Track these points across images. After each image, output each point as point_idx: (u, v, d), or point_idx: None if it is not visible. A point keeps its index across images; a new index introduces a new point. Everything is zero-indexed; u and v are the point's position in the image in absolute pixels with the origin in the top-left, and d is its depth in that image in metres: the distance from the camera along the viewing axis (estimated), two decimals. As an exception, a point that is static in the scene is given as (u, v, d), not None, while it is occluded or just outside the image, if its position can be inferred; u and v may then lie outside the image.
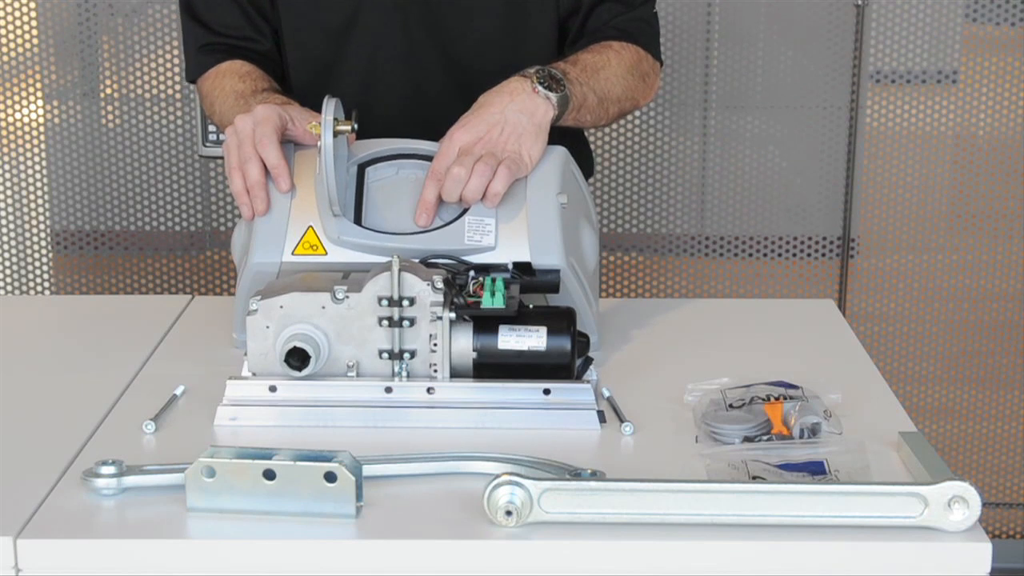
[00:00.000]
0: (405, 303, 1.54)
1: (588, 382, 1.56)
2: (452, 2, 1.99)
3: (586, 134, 2.22)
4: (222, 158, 1.77)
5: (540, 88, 1.78)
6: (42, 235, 3.24)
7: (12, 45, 3.13)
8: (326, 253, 1.68)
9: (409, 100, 2.03)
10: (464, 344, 1.55)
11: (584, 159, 2.06)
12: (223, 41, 2.03)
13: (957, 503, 1.29)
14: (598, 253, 1.83)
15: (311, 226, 1.70)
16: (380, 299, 1.54)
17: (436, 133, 1.78)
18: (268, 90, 1.96)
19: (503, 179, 1.69)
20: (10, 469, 1.45)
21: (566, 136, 1.88)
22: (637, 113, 3.19)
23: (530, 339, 1.55)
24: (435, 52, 2.01)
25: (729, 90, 3.20)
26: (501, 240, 1.68)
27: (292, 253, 1.69)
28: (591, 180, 2.17)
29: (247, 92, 1.95)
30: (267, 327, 1.55)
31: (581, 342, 1.58)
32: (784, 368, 1.64)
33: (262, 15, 2.04)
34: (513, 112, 1.75)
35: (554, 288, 1.66)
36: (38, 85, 3.18)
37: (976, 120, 3.19)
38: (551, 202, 1.71)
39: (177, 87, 3.14)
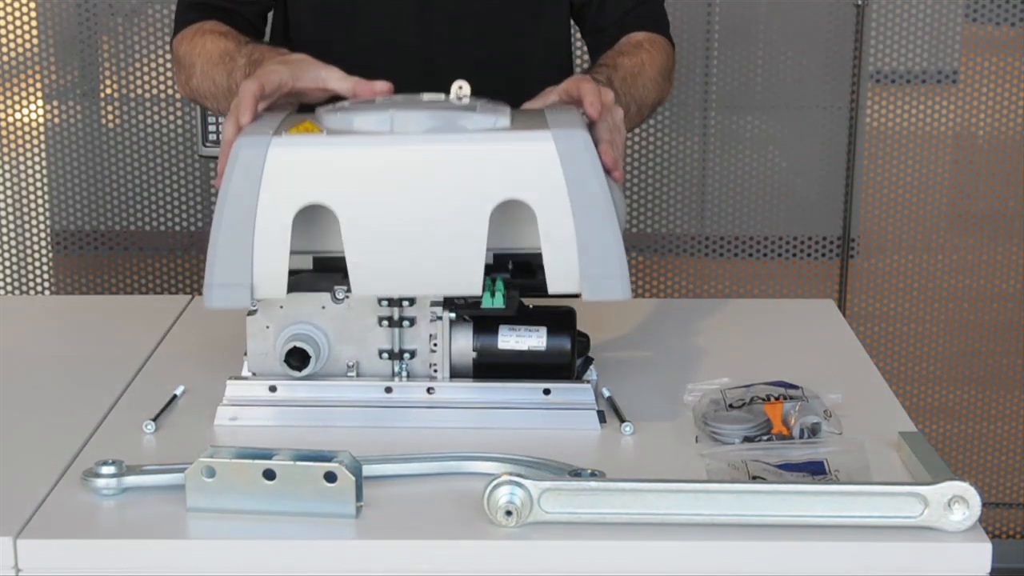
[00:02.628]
0: (405, 303, 1.54)
1: (588, 382, 1.56)
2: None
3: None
4: None
5: None
6: (42, 235, 3.24)
7: (12, 45, 3.13)
8: (322, 131, 1.50)
9: (413, 90, 2.03)
10: (464, 344, 1.55)
11: None
12: (211, 2, 1.97)
13: (957, 503, 1.29)
14: (624, 211, 1.63)
15: (309, 119, 1.54)
16: (380, 299, 1.54)
17: None
18: (251, 43, 1.91)
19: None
20: (10, 469, 1.45)
21: None
22: (637, 113, 3.19)
23: (530, 339, 1.55)
24: (441, 44, 2.01)
25: (729, 90, 3.20)
26: (516, 124, 1.51)
27: (285, 132, 1.48)
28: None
29: (231, 49, 1.86)
30: (267, 327, 1.55)
31: (581, 342, 1.58)
32: (784, 368, 1.64)
33: None
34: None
35: (554, 288, 1.65)
36: (38, 85, 3.18)
37: (976, 120, 3.19)
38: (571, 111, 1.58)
39: (177, 87, 3.14)
